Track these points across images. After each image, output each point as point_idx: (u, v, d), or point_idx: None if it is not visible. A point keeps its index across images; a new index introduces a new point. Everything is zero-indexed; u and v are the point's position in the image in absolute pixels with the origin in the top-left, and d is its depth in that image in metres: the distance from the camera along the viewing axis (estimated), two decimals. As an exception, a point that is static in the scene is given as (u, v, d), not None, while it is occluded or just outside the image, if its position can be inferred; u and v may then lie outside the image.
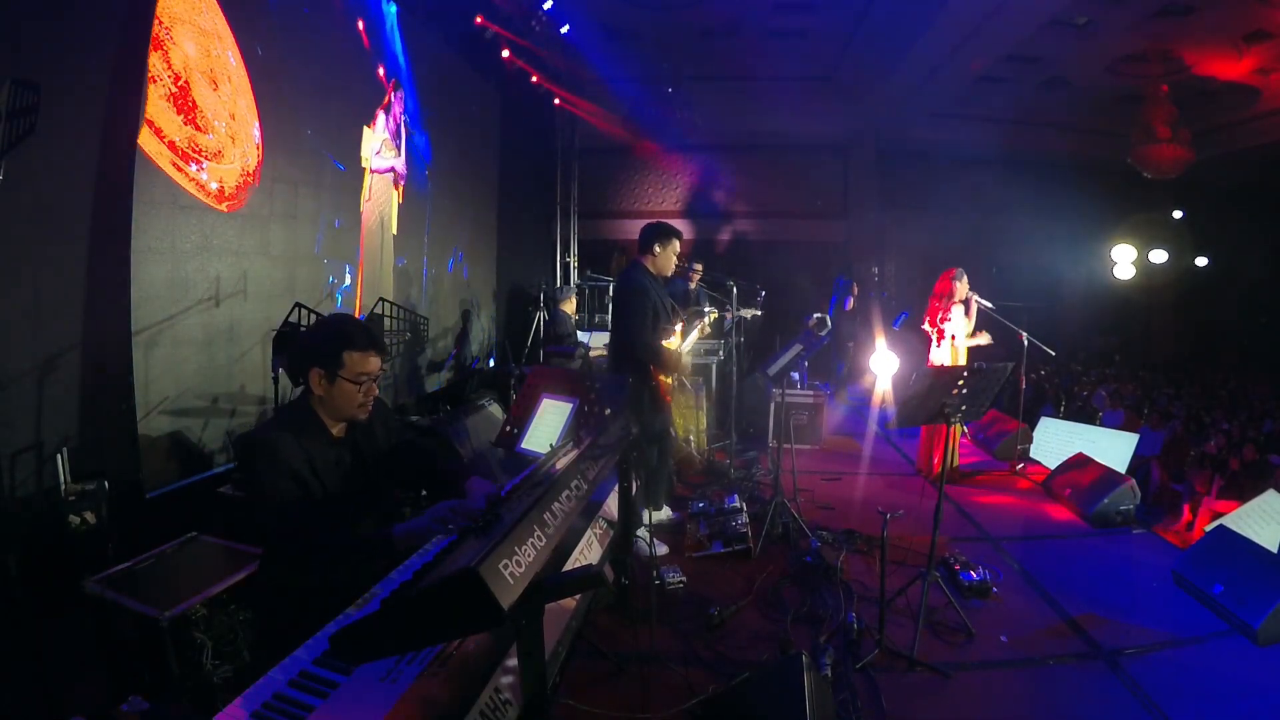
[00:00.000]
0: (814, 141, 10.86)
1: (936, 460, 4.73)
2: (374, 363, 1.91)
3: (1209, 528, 3.86)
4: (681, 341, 4.36)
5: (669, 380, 4.08)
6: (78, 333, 3.10)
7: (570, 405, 3.39)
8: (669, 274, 4.05)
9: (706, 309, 5.51)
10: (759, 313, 6.77)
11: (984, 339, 5.36)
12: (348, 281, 5.14)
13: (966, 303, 5.27)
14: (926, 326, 5.37)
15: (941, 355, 5.23)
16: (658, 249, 3.91)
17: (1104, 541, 4.25)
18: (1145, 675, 2.77)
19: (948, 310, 5.21)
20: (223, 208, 3.81)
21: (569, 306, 6.90)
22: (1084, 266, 11.11)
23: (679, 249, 4.02)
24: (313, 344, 1.95)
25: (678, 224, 4.45)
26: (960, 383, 3.10)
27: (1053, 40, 7.99)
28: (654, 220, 4.07)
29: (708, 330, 5.54)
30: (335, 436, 1.94)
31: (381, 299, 4.96)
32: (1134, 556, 4.05)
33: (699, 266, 6.73)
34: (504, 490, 1.85)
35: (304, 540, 1.77)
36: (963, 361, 5.18)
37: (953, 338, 5.23)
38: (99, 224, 3.14)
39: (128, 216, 3.17)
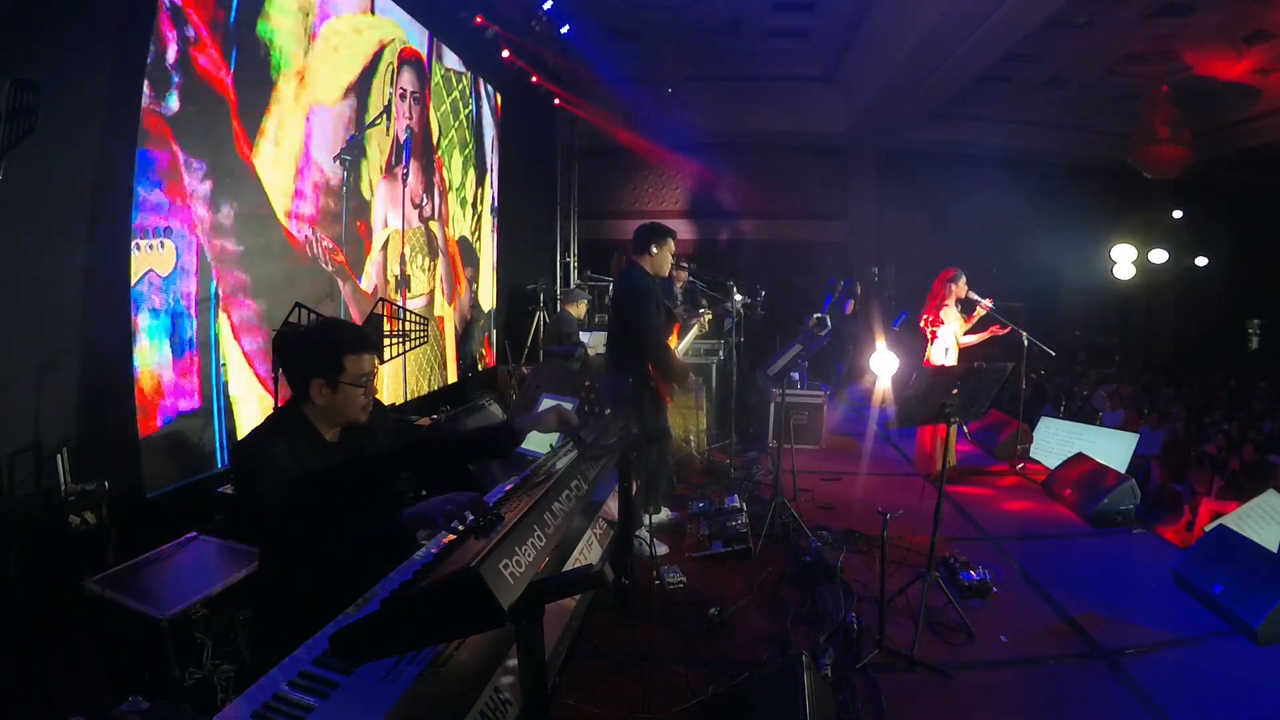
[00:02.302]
0: (814, 141, 10.87)
1: (936, 460, 4.72)
2: (370, 362, 1.90)
3: (1209, 528, 3.86)
4: (678, 342, 4.36)
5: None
6: (77, 333, 3.10)
7: (570, 405, 3.39)
8: (665, 274, 4.06)
9: (702, 309, 5.52)
10: (746, 299, 6.73)
11: (986, 335, 5.34)
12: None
13: (965, 303, 5.26)
14: (922, 325, 5.38)
15: (935, 356, 5.23)
16: (654, 249, 3.91)
17: (1104, 541, 4.25)
18: (1145, 675, 2.77)
19: (941, 312, 5.21)
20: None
21: (576, 310, 6.89)
22: (1084, 266, 11.11)
23: (674, 248, 4.03)
24: (309, 354, 1.88)
25: (678, 224, 4.47)
26: (960, 383, 3.10)
27: (1053, 40, 7.99)
28: (647, 221, 4.08)
29: (705, 328, 5.54)
30: (329, 441, 1.92)
31: (381, 299, 4.95)
32: (1134, 556, 4.05)
33: (685, 266, 6.72)
34: (499, 491, 1.84)
35: (306, 546, 1.75)
36: (954, 361, 5.16)
37: (945, 343, 5.22)
38: (99, 224, 3.14)
39: (128, 216, 3.17)
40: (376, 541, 1.79)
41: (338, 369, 1.84)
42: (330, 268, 4.83)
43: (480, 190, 7.58)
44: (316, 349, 1.89)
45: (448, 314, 6.87)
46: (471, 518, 1.66)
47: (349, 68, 4.92)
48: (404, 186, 5.84)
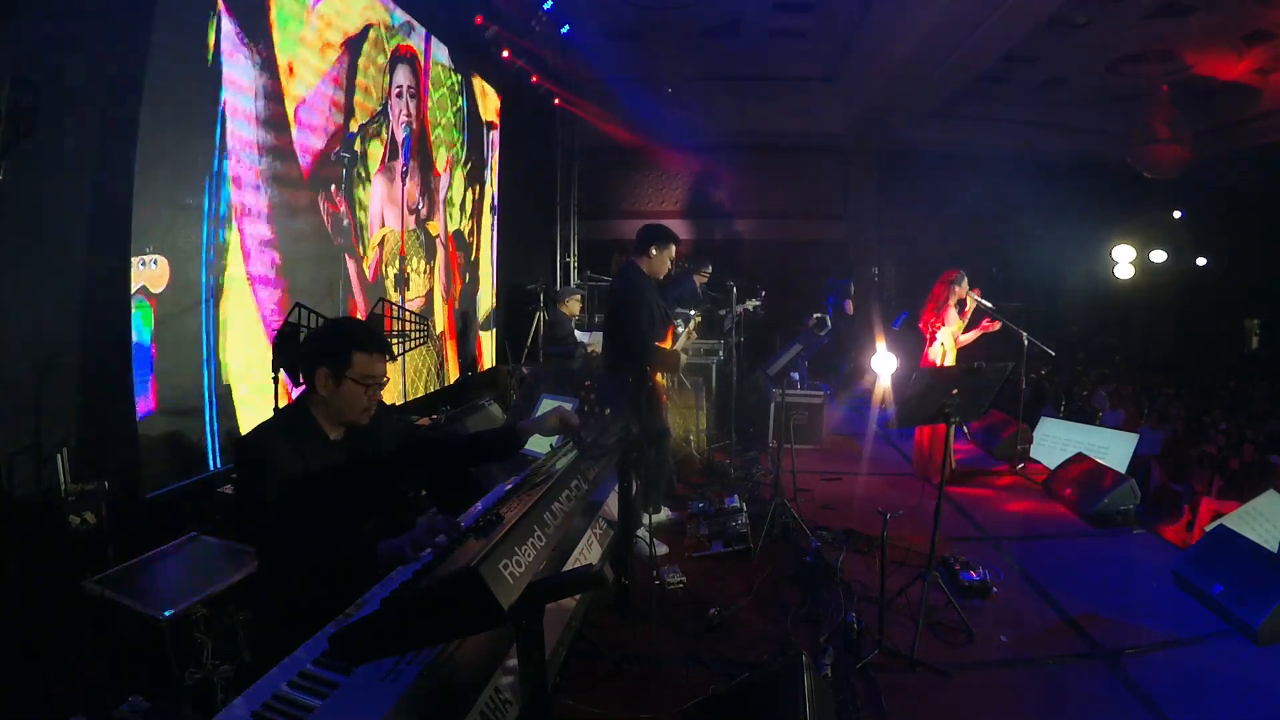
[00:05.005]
0: (814, 141, 10.85)
1: (936, 460, 4.72)
2: (380, 367, 1.93)
3: (1209, 528, 3.86)
4: (673, 344, 4.37)
5: (664, 380, 4.09)
6: (77, 333, 3.10)
7: (570, 405, 3.38)
8: (661, 277, 4.06)
9: (693, 311, 5.52)
10: (758, 303, 6.74)
11: (977, 333, 5.33)
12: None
13: (963, 303, 5.26)
14: (922, 326, 5.36)
15: (934, 356, 5.22)
16: (654, 251, 3.91)
17: (1104, 541, 4.25)
18: (1145, 675, 2.77)
19: (943, 313, 5.20)
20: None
21: (569, 308, 6.89)
22: (1084, 266, 11.11)
23: (674, 254, 4.03)
24: (321, 343, 1.96)
25: (677, 224, 4.49)
26: (960, 383, 3.10)
27: (1053, 40, 7.99)
28: (653, 222, 4.08)
29: (694, 335, 5.54)
30: (333, 440, 1.93)
31: (382, 299, 4.94)
32: (1134, 556, 4.05)
33: (709, 268, 6.74)
34: (500, 491, 1.84)
35: (292, 549, 1.76)
36: (951, 362, 5.15)
37: (942, 343, 5.21)
38: (99, 224, 3.14)
39: (127, 216, 3.17)
40: (352, 563, 1.77)
41: (345, 362, 1.87)
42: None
43: (478, 188, 7.58)
44: (328, 338, 1.95)
45: (446, 314, 6.87)
46: (443, 540, 1.65)
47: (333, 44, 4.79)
48: (402, 185, 5.84)
